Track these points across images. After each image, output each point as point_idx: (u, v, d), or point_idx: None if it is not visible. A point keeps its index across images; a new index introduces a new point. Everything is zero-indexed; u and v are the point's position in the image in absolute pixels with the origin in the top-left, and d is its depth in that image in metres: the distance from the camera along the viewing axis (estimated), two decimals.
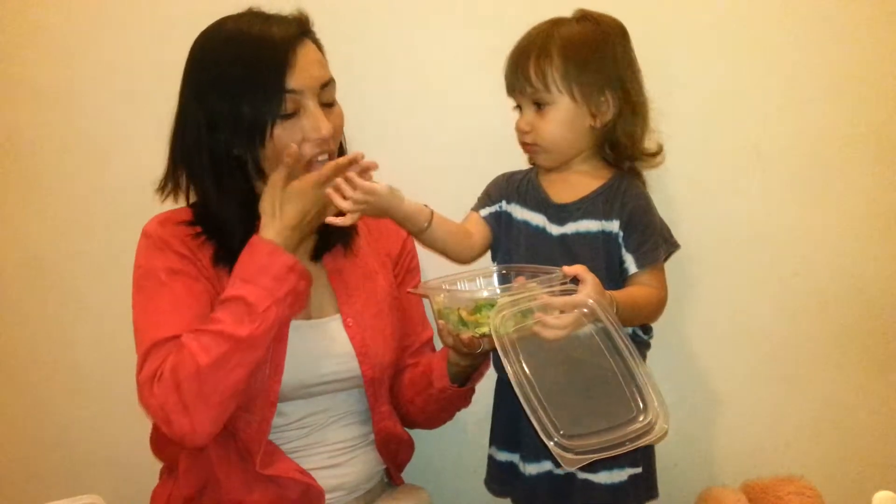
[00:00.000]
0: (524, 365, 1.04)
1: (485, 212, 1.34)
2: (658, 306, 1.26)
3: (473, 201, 1.38)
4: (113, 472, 1.72)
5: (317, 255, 1.31)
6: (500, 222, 1.33)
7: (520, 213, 1.31)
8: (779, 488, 1.30)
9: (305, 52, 1.19)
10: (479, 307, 1.13)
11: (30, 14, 1.65)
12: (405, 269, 1.42)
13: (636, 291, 1.22)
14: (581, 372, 1.11)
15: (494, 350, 1.16)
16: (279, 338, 1.21)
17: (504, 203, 1.33)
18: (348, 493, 1.29)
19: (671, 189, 1.43)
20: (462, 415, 1.43)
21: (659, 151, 1.31)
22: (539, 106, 1.24)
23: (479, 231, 1.32)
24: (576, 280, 1.11)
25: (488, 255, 1.37)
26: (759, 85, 1.40)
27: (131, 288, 1.22)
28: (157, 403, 1.12)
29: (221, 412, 1.13)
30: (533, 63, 1.22)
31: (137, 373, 1.15)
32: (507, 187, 1.34)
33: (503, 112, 1.34)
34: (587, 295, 1.08)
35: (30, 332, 1.74)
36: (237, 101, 1.16)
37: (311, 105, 1.18)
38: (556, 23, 1.25)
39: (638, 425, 1.05)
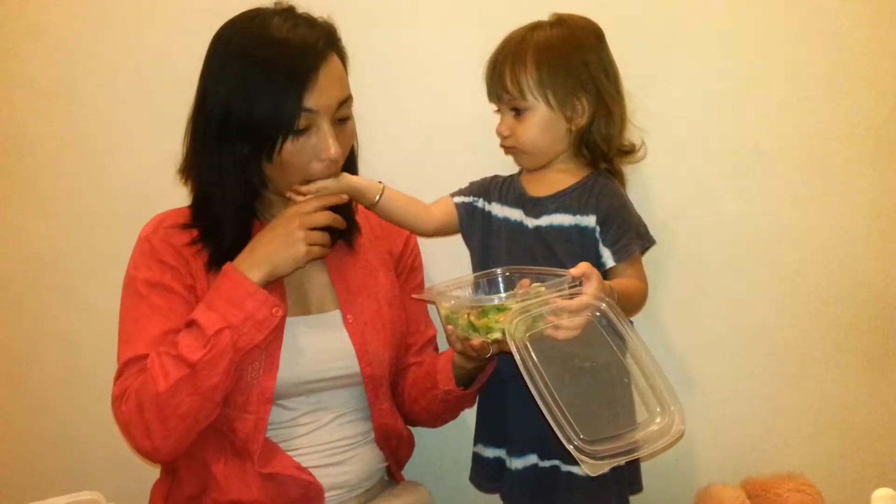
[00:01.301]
0: (542, 370, 1.05)
1: (457, 199, 1.36)
2: (643, 298, 1.29)
3: None
4: (113, 469, 1.72)
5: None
6: (470, 215, 1.35)
7: (500, 210, 1.33)
8: (778, 486, 1.30)
9: (328, 71, 1.17)
10: (486, 311, 1.14)
11: (31, 13, 1.64)
12: (408, 268, 1.42)
13: (627, 283, 1.23)
14: (596, 375, 1.12)
15: (502, 354, 1.19)
16: (274, 335, 1.21)
17: (481, 201, 1.35)
18: (349, 491, 1.30)
19: (671, 188, 1.43)
20: (464, 412, 1.44)
21: (633, 149, 1.33)
22: (517, 111, 1.26)
23: (441, 211, 1.35)
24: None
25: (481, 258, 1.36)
26: (759, 83, 1.40)
27: None
28: (124, 421, 1.18)
29: (182, 436, 1.16)
30: (508, 71, 1.25)
31: (113, 386, 1.20)
32: (490, 188, 1.36)
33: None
34: (594, 294, 1.09)
35: (30, 331, 1.75)
36: (253, 107, 1.15)
37: (325, 125, 1.17)
38: (532, 28, 1.27)
39: (654, 427, 1.06)
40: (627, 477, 1.29)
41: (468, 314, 1.16)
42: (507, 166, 1.39)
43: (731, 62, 1.41)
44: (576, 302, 1.09)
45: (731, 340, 1.46)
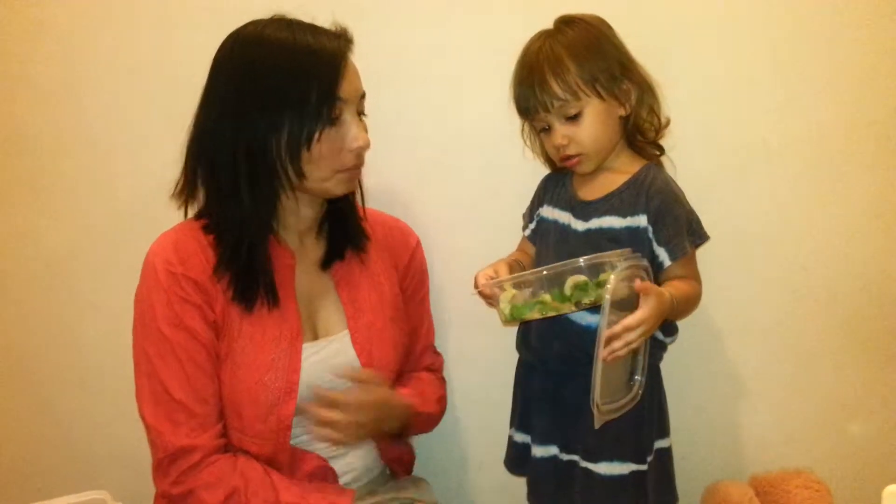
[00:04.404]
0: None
1: (527, 231, 1.39)
2: (698, 298, 1.28)
3: (479, 199, 1.39)
4: (120, 468, 1.72)
5: (326, 263, 1.31)
6: (539, 232, 1.36)
7: (549, 212, 1.34)
8: (786, 482, 1.31)
9: (350, 64, 1.19)
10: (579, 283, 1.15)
11: (32, 12, 1.63)
12: (416, 279, 1.42)
13: (684, 287, 1.22)
14: None
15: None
16: (293, 367, 1.21)
17: (540, 210, 1.36)
18: (353, 482, 1.30)
19: (678, 183, 1.42)
20: (472, 410, 1.44)
21: (667, 123, 1.32)
22: (570, 118, 1.23)
23: (531, 253, 1.37)
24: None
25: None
26: (767, 78, 1.39)
27: (134, 298, 1.21)
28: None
29: None
30: (553, 79, 1.21)
31: (159, 468, 1.17)
32: (544, 191, 1.37)
33: (508, 110, 1.33)
34: (651, 309, 1.12)
35: (36, 331, 1.74)
36: (287, 107, 1.14)
37: (352, 115, 1.19)
38: (549, 35, 1.25)
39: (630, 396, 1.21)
40: (656, 486, 1.27)
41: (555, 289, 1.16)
42: (521, 168, 1.39)
43: (735, 60, 1.40)
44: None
45: (737, 336, 1.46)
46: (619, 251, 1.17)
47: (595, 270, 1.14)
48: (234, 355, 1.20)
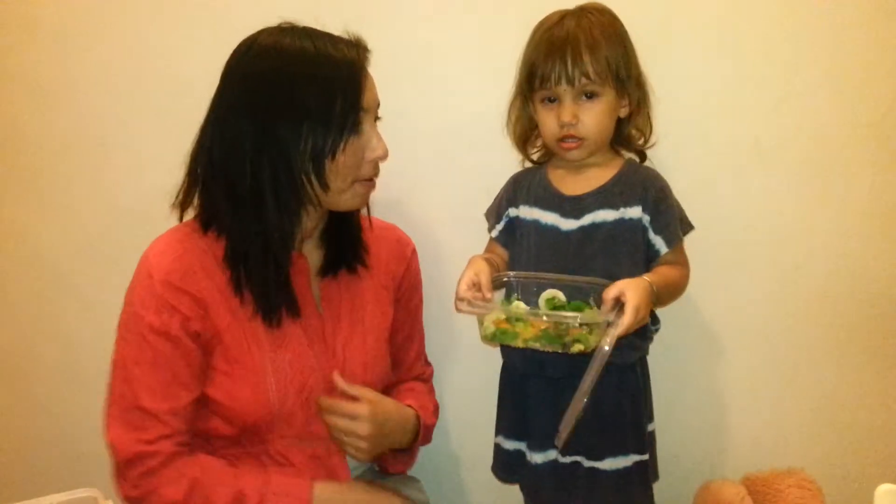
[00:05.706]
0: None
1: (495, 232, 1.35)
2: (685, 282, 1.29)
3: (475, 199, 1.41)
4: (110, 466, 1.72)
5: (324, 272, 1.29)
6: (510, 232, 1.33)
7: (528, 213, 1.30)
8: (779, 481, 1.31)
9: (369, 74, 1.19)
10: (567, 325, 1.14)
11: (29, 11, 1.63)
12: (409, 287, 1.41)
13: (668, 272, 1.23)
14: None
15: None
16: (329, 367, 1.23)
17: (511, 210, 1.33)
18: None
19: (671, 183, 1.42)
20: (463, 409, 1.43)
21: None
22: (586, 97, 1.22)
23: (500, 254, 1.35)
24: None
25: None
26: (760, 78, 1.39)
27: (124, 300, 1.21)
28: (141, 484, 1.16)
29: None
30: (588, 54, 1.20)
31: (109, 418, 1.17)
32: (514, 191, 1.34)
33: (499, 105, 1.35)
34: (631, 311, 1.09)
35: (30, 330, 1.74)
36: (311, 117, 1.13)
37: (371, 125, 1.19)
38: (579, 15, 1.24)
39: None
40: (648, 470, 1.29)
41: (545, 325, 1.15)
42: (516, 164, 1.39)
43: (730, 59, 1.40)
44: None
45: (731, 336, 1.46)
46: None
47: (584, 294, 1.16)
48: (269, 368, 1.19)
